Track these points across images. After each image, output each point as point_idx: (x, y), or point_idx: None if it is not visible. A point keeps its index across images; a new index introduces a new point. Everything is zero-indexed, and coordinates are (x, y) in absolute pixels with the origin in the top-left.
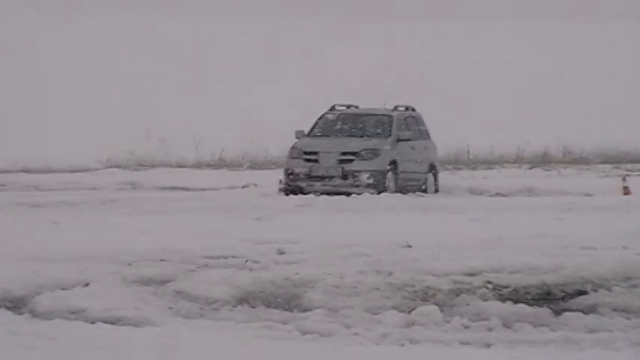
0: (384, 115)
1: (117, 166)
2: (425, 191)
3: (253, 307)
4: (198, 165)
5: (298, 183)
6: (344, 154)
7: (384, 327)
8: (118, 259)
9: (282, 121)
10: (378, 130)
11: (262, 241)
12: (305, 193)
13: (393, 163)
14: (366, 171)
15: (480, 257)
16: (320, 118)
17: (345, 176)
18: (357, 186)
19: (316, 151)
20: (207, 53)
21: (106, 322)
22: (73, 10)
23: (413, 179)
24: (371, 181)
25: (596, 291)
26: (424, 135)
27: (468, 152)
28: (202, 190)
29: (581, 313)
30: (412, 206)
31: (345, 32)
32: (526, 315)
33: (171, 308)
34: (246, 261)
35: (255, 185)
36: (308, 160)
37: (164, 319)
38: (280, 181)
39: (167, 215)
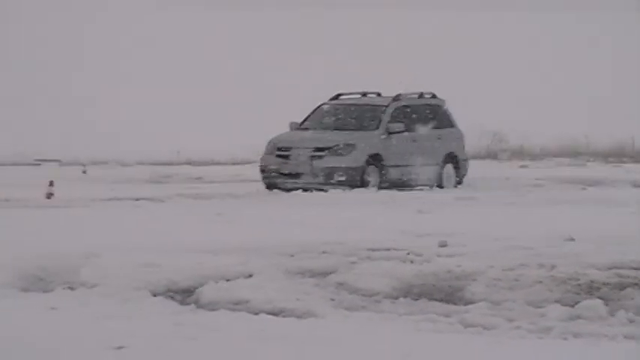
0: (377, 105)
1: None
2: (440, 186)
3: (415, 299)
4: None
5: (272, 180)
6: (316, 149)
7: (547, 320)
8: (280, 251)
9: None
10: (367, 122)
11: (423, 234)
12: (282, 190)
13: (376, 157)
14: (336, 168)
15: None
16: (315, 108)
17: (314, 173)
18: (328, 183)
19: (289, 146)
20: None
21: (269, 313)
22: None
23: (415, 173)
24: (342, 178)
25: None
26: (443, 124)
27: (633, 144)
28: None
29: None
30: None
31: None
32: None
33: (333, 300)
34: (408, 253)
35: None
36: (280, 156)
37: (326, 311)
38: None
39: (328, 207)
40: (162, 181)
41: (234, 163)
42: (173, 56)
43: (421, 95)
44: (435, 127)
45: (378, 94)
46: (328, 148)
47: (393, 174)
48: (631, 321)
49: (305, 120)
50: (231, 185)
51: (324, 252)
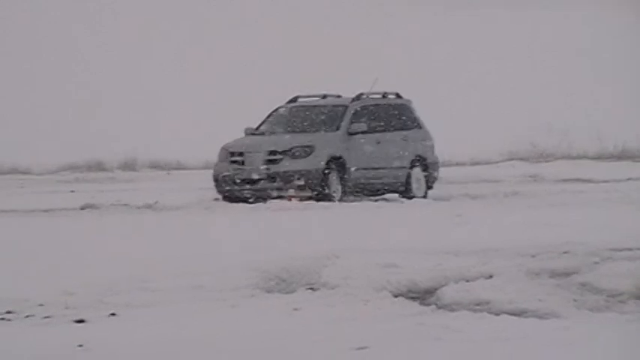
0: (337, 105)
1: (518, 159)
2: (407, 191)
3: None
4: (600, 157)
5: (226, 188)
6: (271, 153)
7: None
8: (520, 252)
9: None
10: (327, 124)
11: None
12: (238, 200)
13: (337, 160)
14: (295, 171)
15: None
16: (271, 112)
17: (272, 179)
18: (287, 189)
19: (242, 151)
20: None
21: (510, 314)
22: None
23: (381, 177)
24: (302, 182)
25: None
26: (408, 125)
27: None
28: (605, 182)
29: None
30: None
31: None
32: None
33: (575, 301)
34: None
35: None
36: (234, 162)
37: (569, 312)
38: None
39: (569, 207)
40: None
41: (473, 164)
42: None
43: (384, 95)
44: (401, 129)
45: (338, 96)
46: (284, 151)
47: (358, 178)
48: None
49: (261, 124)
50: (471, 186)
51: (565, 252)
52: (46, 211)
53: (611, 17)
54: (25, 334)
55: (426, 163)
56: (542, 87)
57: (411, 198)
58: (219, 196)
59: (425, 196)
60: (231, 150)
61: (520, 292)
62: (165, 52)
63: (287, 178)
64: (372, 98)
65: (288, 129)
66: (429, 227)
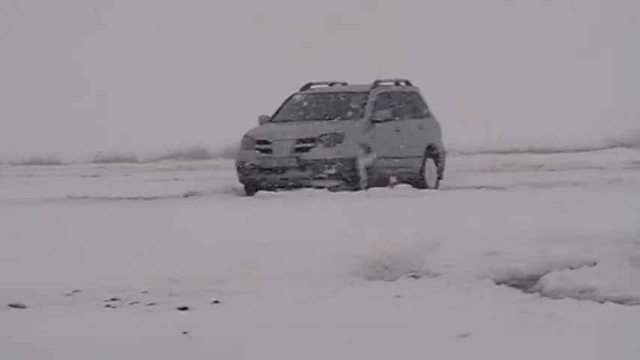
0: (358, 92)
1: (622, 145)
2: (422, 182)
3: None
4: None
5: (252, 177)
6: (300, 141)
7: None
8: (624, 239)
9: None
10: (350, 111)
11: None
12: (263, 189)
13: (365, 148)
14: (327, 160)
15: None
16: (287, 100)
17: (302, 167)
18: (318, 178)
19: (269, 139)
20: None
21: (615, 301)
22: None
23: (398, 167)
24: (333, 171)
25: None
26: (420, 113)
27: None
28: None
29: None
30: None
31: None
32: None
33: None
34: None
35: None
36: (260, 151)
37: None
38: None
39: None
40: (503, 169)
41: (576, 150)
42: None
43: (397, 82)
44: (414, 117)
45: (344, 84)
46: (314, 139)
47: (380, 167)
48: None
49: (277, 112)
50: (572, 173)
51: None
52: (149, 198)
53: None
54: (129, 321)
55: (437, 153)
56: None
57: (423, 188)
58: (242, 185)
59: (436, 187)
60: (258, 138)
61: (625, 279)
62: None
63: (318, 166)
64: (388, 85)
65: (311, 116)
66: (529, 214)
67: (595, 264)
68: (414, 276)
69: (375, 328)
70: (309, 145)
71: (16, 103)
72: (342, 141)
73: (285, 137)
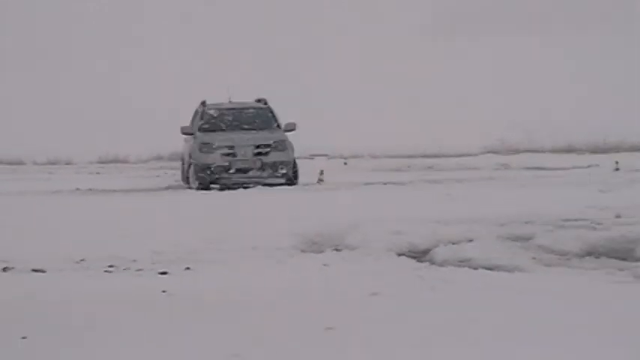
0: (261, 108)
1: (491, 152)
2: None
3: (597, 257)
4: (555, 150)
5: (217, 176)
6: (259, 147)
7: None
8: (493, 222)
9: None
10: (265, 123)
11: (604, 208)
12: (220, 186)
13: (293, 151)
14: (280, 162)
15: None
16: (201, 113)
17: (262, 168)
18: (273, 176)
19: (232, 145)
20: None
21: (486, 268)
22: None
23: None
24: (284, 170)
25: None
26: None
27: None
28: (561, 169)
29: None
30: None
31: None
32: None
33: (534, 258)
34: (618, 215)
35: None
36: (225, 155)
37: (530, 267)
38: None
39: (530, 188)
40: (404, 169)
41: (458, 155)
42: None
43: (259, 100)
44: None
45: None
46: (269, 145)
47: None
48: None
49: (202, 123)
50: (456, 172)
51: (527, 222)
52: (139, 190)
53: None
54: (122, 282)
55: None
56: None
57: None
58: (195, 184)
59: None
60: (219, 144)
61: (493, 252)
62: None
63: (275, 167)
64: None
65: (238, 126)
66: (424, 203)
67: (472, 240)
68: (337, 249)
69: (308, 288)
70: (267, 150)
71: (35, 113)
72: (287, 147)
73: (246, 144)
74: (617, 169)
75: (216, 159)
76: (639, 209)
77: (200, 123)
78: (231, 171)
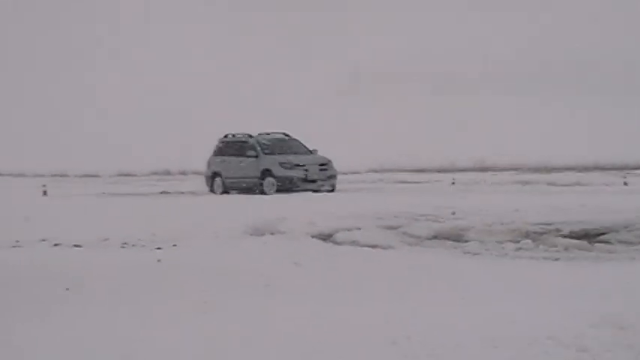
0: (292, 139)
1: (372, 170)
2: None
3: (440, 240)
4: (413, 170)
5: (296, 185)
6: (321, 165)
7: (505, 250)
8: (374, 216)
9: None
10: (302, 149)
11: (443, 207)
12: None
13: None
14: (333, 175)
15: (552, 216)
16: (257, 142)
17: (323, 180)
18: (330, 185)
19: (305, 164)
20: None
21: (369, 246)
22: None
23: None
24: (334, 182)
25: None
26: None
27: None
28: (417, 182)
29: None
30: None
31: None
32: (574, 244)
33: (401, 241)
34: (453, 213)
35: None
36: (300, 170)
37: (398, 246)
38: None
39: (397, 195)
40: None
41: None
42: None
43: (285, 134)
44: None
45: (250, 135)
46: (324, 164)
47: None
48: (546, 250)
49: (263, 149)
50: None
51: (396, 216)
52: (143, 194)
53: None
54: (131, 254)
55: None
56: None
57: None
58: (272, 190)
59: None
60: (295, 163)
61: (374, 236)
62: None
63: (331, 178)
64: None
65: (291, 152)
66: (331, 203)
67: (359, 229)
68: (272, 234)
69: (252, 259)
70: (324, 167)
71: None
72: (333, 165)
73: (312, 163)
74: (453, 184)
75: (296, 173)
76: (467, 210)
77: (259, 149)
78: (302, 179)
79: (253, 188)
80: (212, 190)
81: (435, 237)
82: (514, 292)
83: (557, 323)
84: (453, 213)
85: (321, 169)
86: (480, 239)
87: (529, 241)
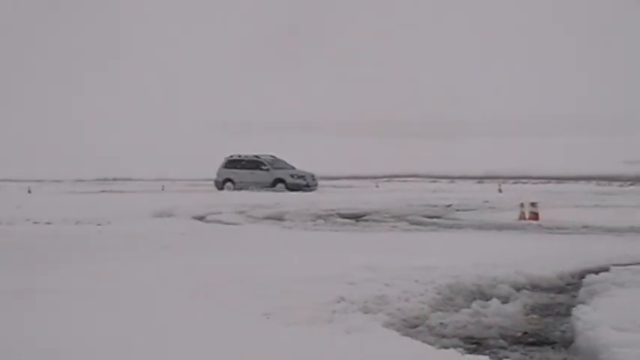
0: (280, 159)
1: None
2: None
3: (270, 219)
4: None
5: (298, 187)
6: (311, 175)
7: (307, 225)
8: (234, 206)
9: None
10: (289, 165)
11: (275, 201)
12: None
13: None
14: (316, 182)
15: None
16: (264, 160)
17: (310, 183)
18: (314, 187)
19: (304, 175)
20: None
21: (228, 224)
22: None
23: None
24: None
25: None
26: (288, 165)
27: None
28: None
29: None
30: None
31: None
32: (347, 222)
33: (247, 219)
34: (277, 203)
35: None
36: (301, 178)
37: (245, 222)
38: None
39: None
40: None
41: None
42: None
43: (272, 155)
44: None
45: (246, 155)
46: (312, 175)
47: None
48: (337, 225)
49: (269, 166)
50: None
51: (243, 206)
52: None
53: None
54: (83, 228)
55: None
56: None
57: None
58: (282, 189)
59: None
60: (295, 174)
61: (231, 218)
62: None
63: (315, 183)
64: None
65: (285, 167)
66: (203, 199)
67: (221, 213)
68: (168, 216)
69: (155, 231)
70: (313, 176)
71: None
72: (312, 174)
73: (306, 173)
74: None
75: (297, 179)
76: (287, 201)
77: (268, 166)
78: (302, 184)
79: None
80: (221, 189)
81: (267, 217)
82: (312, 248)
83: (336, 267)
84: (277, 203)
85: (312, 178)
86: (292, 219)
87: (322, 220)
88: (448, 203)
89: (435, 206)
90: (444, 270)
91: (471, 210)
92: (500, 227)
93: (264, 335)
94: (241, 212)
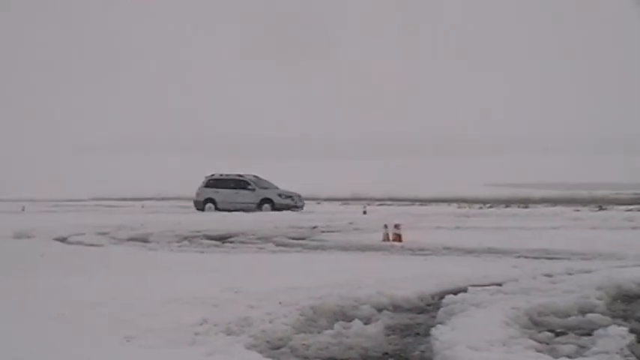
0: (262, 179)
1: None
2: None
3: (134, 241)
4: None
5: (285, 207)
6: (298, 195)
7: (172, 247)
8: (95, 227)
9: None
10: (273, 185)
11: (137, 222)
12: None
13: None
14: (302, 201)
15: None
16: (250, 180)
17: (297, 203)
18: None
19: (292, 195)
20: None
21: (89, 245)
22: None
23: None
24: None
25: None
26: (270, 185)
27: None
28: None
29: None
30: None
31: None
32: (213, 244)
33: (109, 242)
34: (142, 224)
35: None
36: (288, 198)
37: (107, 244)
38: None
39: (112, 215)
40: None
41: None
42: None
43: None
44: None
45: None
46: (299, 194)
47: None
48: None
49: (255, 186)
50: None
51: (105, 229)
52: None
53: None
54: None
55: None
56: None
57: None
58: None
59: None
60: (282, 194)
61: (94, 239)
62: None
63: (301, 202)
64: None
65: (270, 188)
66: (74, 219)
67: (84, 234)
68: (28, 237)
69: (17, 251)
70: (299, 195)
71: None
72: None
73: (293, 193)
74: (142, 207)
75: (285, 200)
76: (151, 223)
77: (254, 186)
78: (291, 204)
79: (249, 210)
80: (202, 210)
81: (131, 239)
82: (176, 270)
83: (200, 289)
84: (142, 224)
85: (300, 198)
86: (157, 241)
87: (187, 242)
88: (314, 225)
89: (301, 228)
90: (308, 291)
91: (336, 231)
92: (365, 248)
93: (123, 359)
94: (104, 233)
